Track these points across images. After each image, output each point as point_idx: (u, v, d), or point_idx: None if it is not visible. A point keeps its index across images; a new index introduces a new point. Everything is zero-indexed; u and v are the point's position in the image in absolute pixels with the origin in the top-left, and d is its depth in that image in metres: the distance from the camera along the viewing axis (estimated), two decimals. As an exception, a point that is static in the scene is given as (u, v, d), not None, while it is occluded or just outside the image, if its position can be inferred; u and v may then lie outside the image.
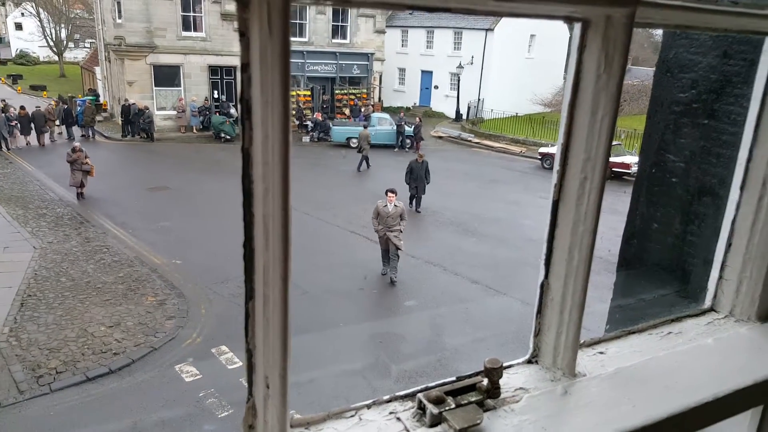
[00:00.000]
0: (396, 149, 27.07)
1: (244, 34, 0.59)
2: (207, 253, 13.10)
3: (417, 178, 16.90)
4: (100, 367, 8.70)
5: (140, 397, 8.17)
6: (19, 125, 25.77)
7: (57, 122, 27.61)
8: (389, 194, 11.95)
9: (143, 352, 9.17)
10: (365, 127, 25.36)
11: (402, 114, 29.13)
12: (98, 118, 29.49)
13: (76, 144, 17.41)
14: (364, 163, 22.90)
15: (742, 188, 1.13)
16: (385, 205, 11.87)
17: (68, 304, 10.60)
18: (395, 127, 27.72)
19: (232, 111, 29.33)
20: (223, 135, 27.79)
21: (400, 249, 11.96)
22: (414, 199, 17.12)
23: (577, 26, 0.83)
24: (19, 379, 8.31)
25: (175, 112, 28.83)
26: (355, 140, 27.32)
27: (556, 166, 0.90)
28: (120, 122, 28.63)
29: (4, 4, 71.34)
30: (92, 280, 11.65)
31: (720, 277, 1.20)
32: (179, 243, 13.85)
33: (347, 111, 33.37)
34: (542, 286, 0.94)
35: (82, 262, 12.63)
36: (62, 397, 8.04)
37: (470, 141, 30.88)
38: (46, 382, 8.28)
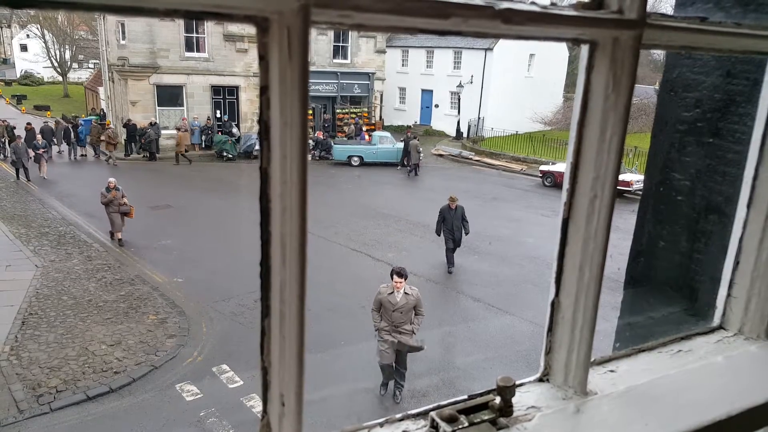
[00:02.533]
0: (399, 167, 27.17)
1: (263, 58, 0.61)
2: (208, 272, 13.09)
3: (452, 228, 13.42)
4: (101, 386, 8.64)
5: (141, 416, 8.10)
6: (49, 151, 23.96)
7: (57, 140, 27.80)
8: (395, 279, 7.98)
9: (144, 370, 9.11)
10: (415, 137, 27.72)
11: (409, 132, 29.25)
12: (102, 137, 29.71)
13: (111, 180, 14.71)
14: (413, 170, 25.65)
15: (748, 206, 1.14)
16: (391, 293, 8.02)
17: (69, 323, 10.57)
18: (395, 145, 27.88)
19: (234, 130, 29.56)
20: (225, 154, 27.96)
21: (405, 361, 8.33)
22: (449, 255, 13.71)
23: (585, 48, 0.85)
24: (19, 398, 8.25)
25: (177, 132, 29.02)
26: (356, 158, 27.64)
27: (566, 185, 0.91)
28: (122, 141, 28.81)
29: (9, 27, 72.28)
30: (93, 298, 11.63)
31: (728, 295, 1.21)
32: (181, 261, 13.84)
33: (348, 129, 33.64)
34: (553, 304, 0.94)
35: (83, 280, 12.62)
36: (62, 417, 7.98)
37: (471, 159, 31.00)
38: (46, 401, 8.22)
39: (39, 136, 24.35)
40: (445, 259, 13.80)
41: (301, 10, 0.58)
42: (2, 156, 27.29)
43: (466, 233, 13.68)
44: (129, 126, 27.82)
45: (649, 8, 0.84)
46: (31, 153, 22.95)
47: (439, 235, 13.84)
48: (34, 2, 0.51)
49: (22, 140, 23.24)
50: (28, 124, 27.33)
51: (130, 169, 26.03)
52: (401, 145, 27.82)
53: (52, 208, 18.74)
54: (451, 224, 13.42)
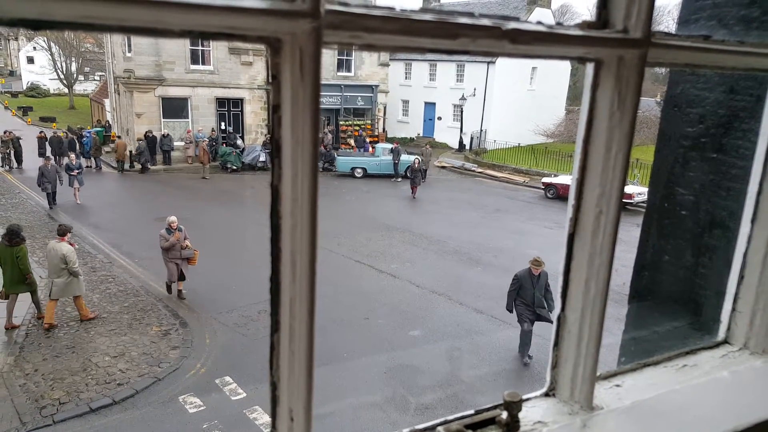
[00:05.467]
0: (398, 179, 27.28)
1: (275, 78, 0.62)
2: (212, 283, 13.08)
3: (533, 301, 9.69)
4: (104, 398, 8.61)
5: (143, 428, 8.07)
6: (81, 174, 20.95)
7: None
8: None
9: (147, 382, 9.08)
10: (426, 145, 30.79)
11: (396, 144, 29.65)
12: (106, 149, 29.91)
13: (173, 220, 11.99)
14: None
15: (753, 221, 1.15)
16: None
17: (73, 334, 10.56)
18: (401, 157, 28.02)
19: (239, 142, 29.71)
20: (229, 165, 28.11)
21: None
22: (525, 340, 9.78)
23: (590, 66, 0.86)
24: (22, 410, 8.23)
25: (183, 143, 29.22)
26: (359, 170, 27.78)
27: (571, 200, 0.92)
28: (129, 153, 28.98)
29: (17, 39, 73.05)
30: (97, 309, 11.62)
31: (733, 310, 1.21)
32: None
33: (351, 141, 33.79)
34: (559, 318, 0.95)
35: (87, 291, 12.57)
36: (65, 429, 7.94)
37: (473, 171, 31.06)
38: (48, 413, 8.19)
39: (72, 156, 21.50)
40: (519, 345, 9.95)
41: (313, 32, 0.60)
42: (7, 167, 27.45)
43: (550, 310, 9.59)
44: (148, 138, 28.16)
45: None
46: (63, 174, 20.49)
47: (510, 311, 10.08)
48: (53, 24, 0.53)
49: (52, 161, 20.68)
50: (41, 132, 27.41)
51: (135, 179, 26.17)
52: (406, 157, 28.03)
53: (59, 220, 18.79)
54: (532, 296, 9.67)
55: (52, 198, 19.83)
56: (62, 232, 10.81)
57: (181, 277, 12.11)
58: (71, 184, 20.52)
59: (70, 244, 10.85)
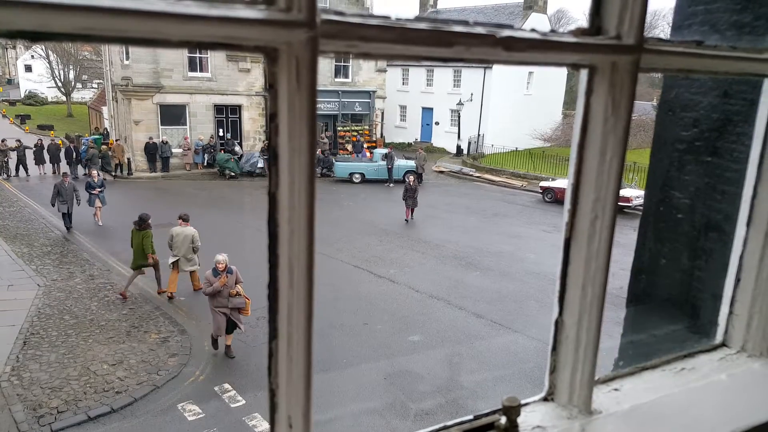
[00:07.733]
0: (391, 185, 27.28)
1: (272, 86, 0.63)
2: (210, 290, 13.04)
3: None
4: (102, 406, 8.57)
5: (142, 437, 8.04)
6: (103, 192, 18.77)
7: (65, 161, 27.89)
8: None
9: (146, 390, 9.05)
10: (420, 149, 30.79)
11: (391, 149, 29.82)
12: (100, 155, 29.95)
13: (220, 258, 10.02)
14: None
15: (748, 224, 1.15)
16: None
17: (71, 342, 10.53)
18: (396, 162, 28.01)
19: (237, 148, 29.76)
20: (227, 172, 28.14)
21: None
22: None
23: (584, 72, 0.87)
24: (20, 419, 8.19)
25: (181, 150, 29.26)
26: (357, 175, 27.83)
27: (567, 206, 0.92)
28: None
29: (15, 48, 73.14)
30: (96, 317, 11.60)
31: (730, 313, 1.21)
32: (183, 279, 13.79)
33: (349, 147, 33.86)
34: (556, 323, 0.95)
35: (86, 299, 12.59)
36: (63, 438, 7.91)
37: (471, 175, 31.10)
38: (46, 422, 8.15)
39: (94, 173, 19.45)
40: None
41: (309, 42, 0.60)
42: (5, 176, 27.40)
43: None
44: (149, 145, 28.24)
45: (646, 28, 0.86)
46: (82, 192, 18.36)
47: None
48: (51, 36, 0.53)
49: (69, 178, 18.63)
50: (39, 139, 27.31)
51: (139, 186, 26.15)
52: (403, 161, 28.09)
53: (55, 227, 18.76)
54: None
55: (68, 219, 17.87)
56: (185, 218, 12.99)
57: (230, 329, 10.02)
58: (92, 204, 18.48)
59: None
